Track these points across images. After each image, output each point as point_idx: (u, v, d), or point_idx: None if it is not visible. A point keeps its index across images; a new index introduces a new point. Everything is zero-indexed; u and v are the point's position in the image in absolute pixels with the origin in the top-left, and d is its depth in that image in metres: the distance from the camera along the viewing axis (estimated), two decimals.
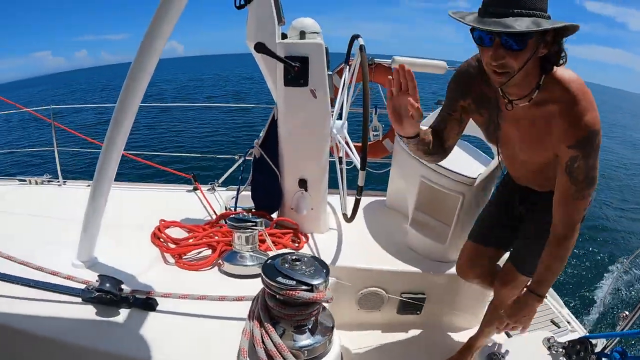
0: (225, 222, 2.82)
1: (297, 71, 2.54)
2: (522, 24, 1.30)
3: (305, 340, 1.43)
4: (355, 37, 2.83)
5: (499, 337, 2.68)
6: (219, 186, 3.79)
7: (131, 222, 2.73)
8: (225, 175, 3.79)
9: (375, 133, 3.97)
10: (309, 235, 2.90)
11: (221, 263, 2.29)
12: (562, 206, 1.65)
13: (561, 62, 1.49)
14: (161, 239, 2.50)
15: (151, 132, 15.58)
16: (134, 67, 1.81)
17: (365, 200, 3.57)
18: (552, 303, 3.35)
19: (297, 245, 2.71)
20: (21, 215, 2.96)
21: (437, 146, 1.88)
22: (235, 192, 3.62)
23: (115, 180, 2.07)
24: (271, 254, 2.43)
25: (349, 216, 2.71)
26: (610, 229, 10.59)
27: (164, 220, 2.69)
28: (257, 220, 2.29)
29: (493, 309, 2.38)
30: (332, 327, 1.51)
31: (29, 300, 1.84)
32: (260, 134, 2.94)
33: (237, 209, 3.23)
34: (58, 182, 3.95)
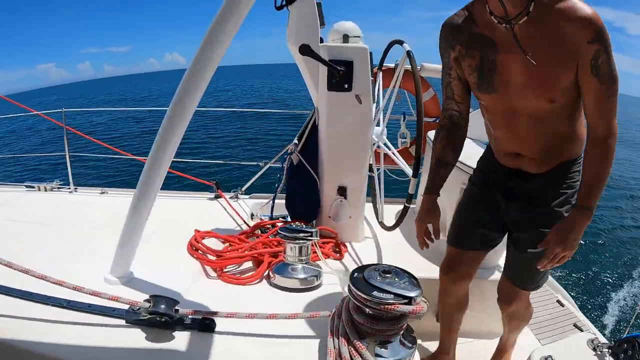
0: (261, 231, 2.74)
1: (341, 75, 2.47)
2: None
3: (392, 355, 1.37)
4: (396, 43, 2.76)
5: (534, 344, 2.66)
6: (242, 194, 3.69)
7: (158, 231, 2.57)
8: (250, 183, 3.68)
9: (403, 140, 3.91)
10: (347, 244, 2.81)
11: (272, 276, 2.18)
12: (598, 110, 1.57)
13: None
14: (200, 251, 2.40)
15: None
16: (189, 77, 1.72)
17: (392, 209, 3.50)
18: (571, 308, 3.31)
19: (338, 254, 2.62)
20: (34, 224, 2.84)
21: (458, 138, 1.91)
22: (260, 200, 3.54)
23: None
24: (321, 264, 2.35)
25: (386, 224, 2.63)
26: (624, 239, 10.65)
27: (198, 231, 2.59)
28: (312, 230, 2.19)
29: (509, 320, 2.27)
30: (415, 340, 1.45)
31: (63, 323, 1.67)
32: (295, 140, 2.86)
33: (265, 217, 3.16)
34: (69, 188, 3.83)
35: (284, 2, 2.50)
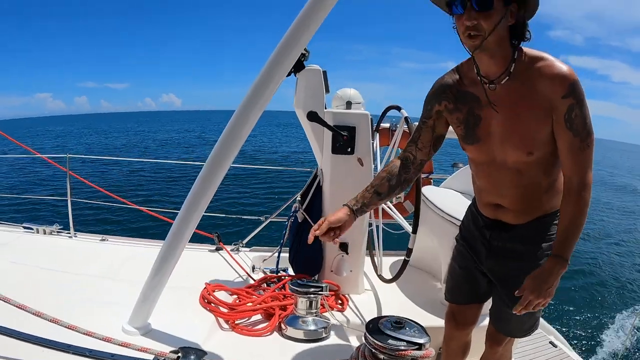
0: (267, 285, 2.88)
1: (345, 140, 2.69)
2: None
3: None
4: (393, 108, 3.02)
5: None
6: (242, 246, 3.81)
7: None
8: (251, 236, 3.81)
9: (397, 195, 4.09)
10: (347, 296, 2.96)
11: (284, 327, 2.32)
12: (571, 161, 1.65)
13: (527, 35, 1.63)
14: (212, 304, 2.53)
15: (170, 187, 15.33)
16: (225, 138, 1.82)
17: (387, 261, 3.67)
18: (564, 349, 3.37)
19: (341, 306, 2.77)
20: (37, 268, 2.88)
21: (399, 177, 1.95)
22: (261, 253, 3.66)
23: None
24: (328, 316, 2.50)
25: (385, 277, 2.78)
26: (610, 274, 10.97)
27: (209, 284, 2.72)
28: (322, 285, 2.35)
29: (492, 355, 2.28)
30: None
31: None
32: (298, 197, 3.05)
33: (267, 269, 3.29)
34: (69, 233, 3.86)
35: (292, 70, 2.71)
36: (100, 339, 1.78)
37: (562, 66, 1.57)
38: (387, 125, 3.83)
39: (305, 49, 2.60)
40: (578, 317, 8.28)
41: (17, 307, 1.76)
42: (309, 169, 3.49)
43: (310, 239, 1.85)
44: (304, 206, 2.94)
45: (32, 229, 3.86)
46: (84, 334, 1.79)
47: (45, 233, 3.81)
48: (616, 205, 21.57)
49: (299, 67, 2.67)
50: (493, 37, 1.55)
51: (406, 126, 2.87)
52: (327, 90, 2.81)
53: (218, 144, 1.84)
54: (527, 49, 1.66)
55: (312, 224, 2.87)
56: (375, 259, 3.22)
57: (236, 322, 2.40)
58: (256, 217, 3.97)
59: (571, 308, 8.52)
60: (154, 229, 7.79)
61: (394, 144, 3.05)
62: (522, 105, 1.65)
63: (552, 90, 1.58)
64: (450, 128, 1.92)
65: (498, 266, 1.98)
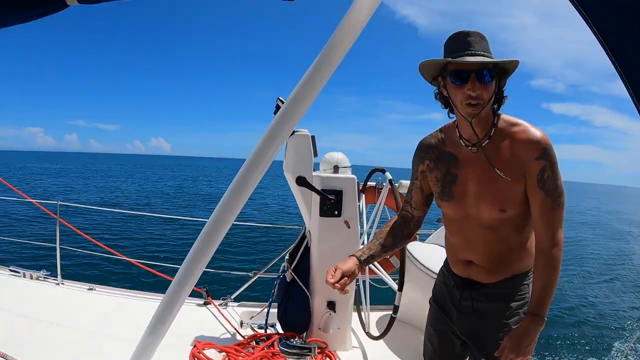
0: (257, 343, 2.94)
1: (332, 203, 2.81)
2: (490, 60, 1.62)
3: None
4: (378, 170, 3.17)
5: None
6: (231, 301, 3.86)
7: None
8: (239, 291, 3.87)
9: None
10: (335, 353, 3.02)
11: None
12: (543, 221, 1.70)
13: (504, 99, 1.74)
14: None
15: (158, 241, 15.26)
16: (230, 194, 1.82)
17: (373, 315, 3.74)
18: None
19: None
20: (21, 316, 2.88)
21: (401, 232, 2.01)
22: (249, 309, 3.72)
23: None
24: None
25: (373, 334, 2.85)
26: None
27: (199, 342, 2.77)
28: (311, 346, 2.43)
29: None
30: None
31: None
32: (287, 257, 3.14)
33: (255, 325, 3.35)
34: (56, 280, 3.84)
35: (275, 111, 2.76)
36: None
37: (536, 131, 1.67)
38: (373, 184, 3.98)
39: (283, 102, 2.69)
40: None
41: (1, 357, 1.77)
42: (296, 226, 3.60)
43: (329, 283, 1.86)
44: (292, 266, 3.03)
45: (18, 272, 3.84)
46: None
47: (32, 278, 3.80)
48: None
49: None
50: (487, 107, 1.67)
51: (390, 187, 3.02)
52: (316, 155, 2.95)
53: (223, 199, 1.83)
54: (503, 115, 1.76)
55: (301, 284, 2.99)
56: (363, 315, 3.29)
57: None
58: (244, 273, 4.03)
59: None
60: (138, 279, 7.78)
61: (380, 203, 3.20)
62: (499, 165, 1.71)
63: (526, 153, 1.66)
64: None
65: (468, 325, 1.98)
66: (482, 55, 1.62)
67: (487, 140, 1.74)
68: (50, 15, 1.38)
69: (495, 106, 1.75)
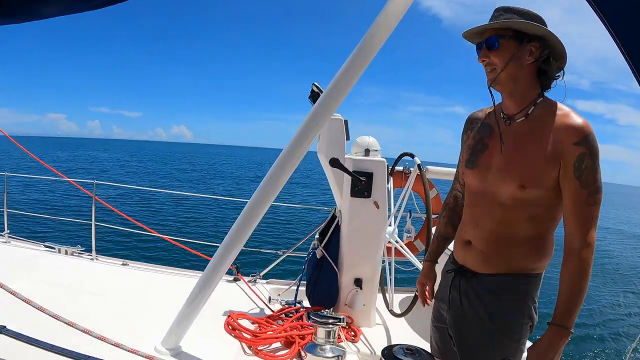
0: (285, 315, 3.10)
1: (363, 185, 2.95)
2: (493, 26, 1.63)
3: None
4: (407, 155, 3.30)
5: None
6: (260, 278, 4.03)
7: None
8: (268, 269, 4.02)
9: (408, 235, 4.36)
10: (360, 329, 3.16)
11: (304, 354, 2.54)
12: (576, 216, 1.57)
13: (557, 75, 1.68)
14: (237, 330, 2.74)
15: (191, 219, 15.61)
16: (288, 153, 1.91)
17: (396, 297, 3.87)
18: None
19: (354, 337, 2.98)
20: (59, 287, 3.03)
21: (457, 215, 2.01)
22: (277, 286, 3.87)
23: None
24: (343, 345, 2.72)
25: (396, 312, 2.99)
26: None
27: (232, 312, 2.93)
28: (341, 317, 2.57)
29: None
30: None
31: None
32: (317, 235, 3.29)
33: (283, 301, 3.51)
34: (90, 256, 4.01)
35: (310, 100, 2.87)
36: (141, 356, 1.92)
37: (579, 118, 1.57)
38: (400, 168, 4.11)
39: (319, 87, 2.84)
40: None
41: (51, 316, 1.83)
42: (324, 208, 3.73)
43: (423, 303, 2.08)
44: (322, 244, 3.18)
45: (53, 248, 3.99)
46: (128, 350, 1.91)
47: (67, 253, 3.95)
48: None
49: (316, 99, 2.83)
50: (507, 73, 1.63)
51: (419, 172, 3.15)
52: (348, 138, 3.09)
53: (263, 183, 1.99)
54: (548, 97, 1.69)
55: (330, 261, 3.13)
56: (387, 295, 3.43)
57: (259, 348, 2.62)
58: (273, 251, 4.19)
59: None
60: (170, 257, 8.03)
61: (408, 187, 3.33)
62: (530, 143, 1.63)
63: (565, 136, 1.55)
64: None
65: (453, 322, 1.88)
66: (501, 18, 1.63)
67: (524, 117, 1.67)
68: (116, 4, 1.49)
69: (540, 88, 1.68)
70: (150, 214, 16.04)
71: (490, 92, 1.71)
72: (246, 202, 2.02)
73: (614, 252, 20.31)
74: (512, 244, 1.70)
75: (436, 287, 2.09)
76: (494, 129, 1.76)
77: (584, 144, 1.52)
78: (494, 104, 1.76)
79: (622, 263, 18.30)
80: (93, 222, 4.29)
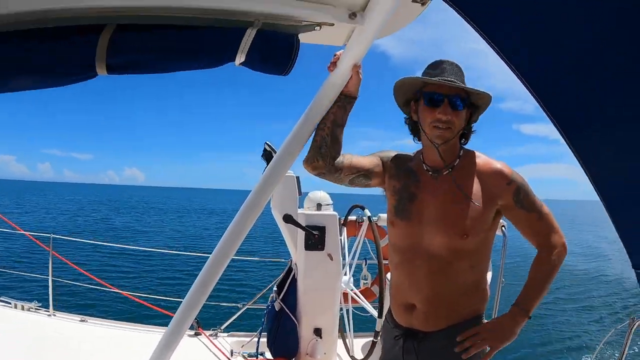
0: None
1: (316, 238, 3.09)
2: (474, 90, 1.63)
3: None
4: (357, 207, 3.47)
5: None
6: (221, 332, 4.05)
7: None
8: (229, 322, 4.06)
9: (365, 281, 4.50)
10: None
11: None
12: (537, 234, 1.72)
13: (471, 134, 1.77)
14: None
15: (147, 273, 15.19)
16: (246, 210, 1.83)
17: (357, 342, 3.96)
18: None
19: None
20: (18, 348, 2.97)
21: (334, 149, 1.79)
22: (239, 338, 3.92)
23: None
24: None
25: (357, 358, 3.09)
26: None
27: None
28: None
29: None
30: None
31: None
32: (275, 288, 3.38)
33: (245, 354, 3.56)
34: (47, 311, 3.91)
35: (264, 158, 2.93)
36: None
37: (498, 162, 1.71)
38: (354, 218, 4.27)
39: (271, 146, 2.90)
40: None
41: None
42: (281, 260, 3.83)
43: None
44: (280, 296, 3.27)
45: (10, 303, 3.89)
46: None
47: (23, 309, 3.85)
48: None
49: (269, 158, 2.89)
50: (455, 135, 1.68)
51: (369, 222, 3.32)
52: (300, 193, 3.23)
53: (223, 239, 1.90)
54: (467, 149, 1.78)
55: (289, 312, 3.23)
56: (347, 340, 3.53)
57: None
58: (234, 304, 4.23)
59: None
60: (130, 312, 7.84)
61: (361, 236, 3.51)
62: (464, 190, 1.67)
63: (496, 181, 1.67)
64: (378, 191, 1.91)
65: None
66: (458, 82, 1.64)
67: (451, 170, 1.72)
68: (81, 82, 1.58)
69: (463, 140, 1.77)
70: (110, 268, 15.62)
71: (439, 151, 1.68)
72: (206, 257, 2.04)
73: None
74: (458, 294, 1.71)
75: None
76: (420, 180, 1.77)
77: (513, 181, 1.67)
78: (444, 162, 1.73)
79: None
80: (50, 277, 4.20)
